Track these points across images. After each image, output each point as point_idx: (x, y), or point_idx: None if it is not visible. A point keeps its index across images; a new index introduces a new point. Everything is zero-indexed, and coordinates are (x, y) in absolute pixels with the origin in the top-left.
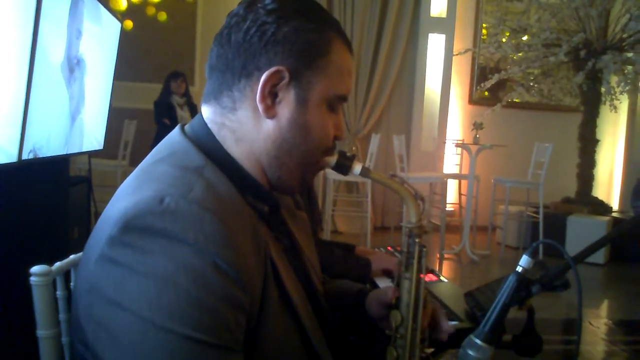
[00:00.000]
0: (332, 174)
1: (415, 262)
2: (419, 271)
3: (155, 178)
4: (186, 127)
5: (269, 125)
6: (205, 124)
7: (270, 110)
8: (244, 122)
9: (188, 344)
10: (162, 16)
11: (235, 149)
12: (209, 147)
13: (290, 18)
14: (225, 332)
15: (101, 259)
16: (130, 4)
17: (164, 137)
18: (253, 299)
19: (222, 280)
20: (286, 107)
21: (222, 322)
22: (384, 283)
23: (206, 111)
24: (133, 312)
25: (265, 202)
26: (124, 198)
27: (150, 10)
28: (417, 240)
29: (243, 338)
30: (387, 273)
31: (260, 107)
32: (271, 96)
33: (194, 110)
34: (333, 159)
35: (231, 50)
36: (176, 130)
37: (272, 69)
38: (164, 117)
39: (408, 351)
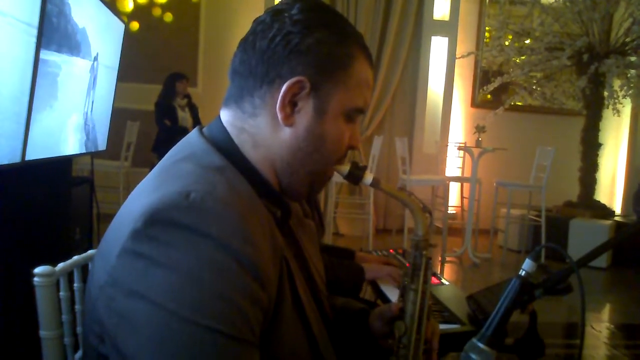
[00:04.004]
0: (334, 176)
1: (421, 274)
2: (425, 282)
3: (178, 176)
4: (204, 129)
5: (286, 133)
6: (224, 127)
7: (289, 119)
8: (262, 128)
9: (210, 335)
10: (169, 17)
11: (253, 154)
12: (227, 150)
13: (315, 30)
14: (245, 326)
15: (124, 253)
16: (135, 5)
17: (165, 138)
18: (269, 297)
19: (243, 276)
20: (304, 116)
21: (242, 316)
22: (390, 291)
23: (225, 115)
24: (156, 304)
25: (279, 207)
26: (147, 194)
27: (157, 12)
28: (423, 252)
29: (259, 334)
30: (371, 283)
31: (279, 115)
32: (291, 105)
33: (195, 112)
34: (345, 168)
35: (255, 57)
36: (194, 132)
37: (294, 79)
38: (165, 118)
39: None
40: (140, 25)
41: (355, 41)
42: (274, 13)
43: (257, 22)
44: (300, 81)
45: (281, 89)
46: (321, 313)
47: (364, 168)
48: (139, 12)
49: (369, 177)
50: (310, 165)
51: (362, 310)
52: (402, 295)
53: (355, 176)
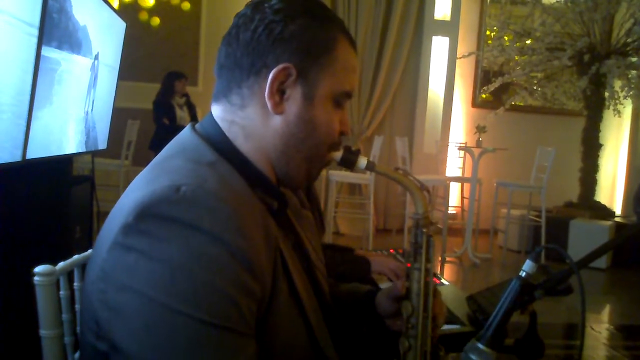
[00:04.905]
0: (334, 176)
1: (423, 251)
2: (427, 260)
3: (169, 171)
4: (197, 125)
5: (277, 121)
6: (215, 122)
7: (278, 107)
8: (252, 119)
9: (204, 327)
10: (155, 21)
11: (245, 146)
12: (219, 143)
13: (297, 16)
14: (239, 317)
15: (115, 246)
16: (125, 4)
17: (163, 137)
18: (264, 289)
19: (235, 268)
20: (293, 103)
21: (235, 307)
22: (385, 285)
23: (216, 109)
24: (148, 297)
25: (274, 198)
26: (138, 189)
27: (143, 16)
28: (424, 230)
29: (254, 326)
30: (370, 280)
31: (269, 103)
32: (279, 93)
33: (193, 111)
34: (339, 154)
35: (239, 49)
36: (187, 129)
37: (280, 66)
38: (164, 117)
39: (420, 340)
40: (138, 24)
41: (336, 25)
42: (255, 5)
43: (239, 15)
44: (286, 68)
45: (268, 77)
46: (320, 302)
47: (357, 152)
48: (133, 10)
49: (363, 161)
50: (305, 151)
51: (369, 291)
52: (408, 276)
53: (349, 160)
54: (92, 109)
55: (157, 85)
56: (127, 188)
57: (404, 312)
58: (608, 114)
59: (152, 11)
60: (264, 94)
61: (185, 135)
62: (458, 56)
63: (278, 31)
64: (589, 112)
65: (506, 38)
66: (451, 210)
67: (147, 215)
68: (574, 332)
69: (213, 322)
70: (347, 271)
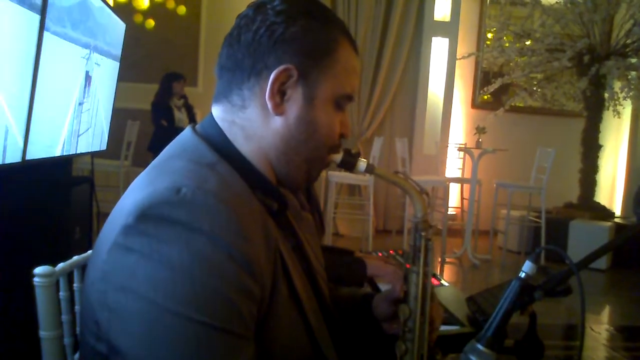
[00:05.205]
0: (334, 177)
1: (422, 255)
2: (426, 264)
3: (169, 172)
4: (197, 126)
5: (277, 122)
6: (216, 123)
7: (278, 108)
8: (253, 120)
9: (204, 330)
10: (150, 24)
11: (246, 147)
12: (219, 144)
13: (298, 18)
14: (239, 320)
15: (115, 247)
16: (120, 7)
17: (162, 138)
18: (263, 291)
19: (235, 270)
20: (294, 104)
21: (235, 310)
22: (385, 287)
23: (216, 110)
24: (147, 299)
25: (274, 199)
26: (138, 190)
27: (138, 18)
28: (422, 234)
29: (254, 328)
30: (370, 282)
31: (269, 104)
32: (280, 94)
33: (191, 112)
34: (339, 156)
35: (241, 50)
36: (187, 130)
37: (281, 67)
38: (162, 119)
39: (417, 343)
40: (138, 25)
41: (338, 28)
42: (257, 7)
43: (241, 16)
44: (287, 69)
45: (269, 78)
46: (320, 304)
47: (357, 154)
48: (128, 12)
49: (362, 163)
50: (305, 152)
51: (367, 294)
52: (406, 279)
53: (349, 163)
54: (92, 110)
55: (157, 86)
56: (128, 189)
57: (401, 315)
58: (608, 115)
59: (146, 14)
60: (265, 95)
61: (186, 136)
62: (458, 57)
63: (279, 33)
64: (589, 113)
65: (506, 39)
66: (451, 211)
67: (148, 216)
68: (574, 333)
69: (213, 324)
70: (343, 274)
